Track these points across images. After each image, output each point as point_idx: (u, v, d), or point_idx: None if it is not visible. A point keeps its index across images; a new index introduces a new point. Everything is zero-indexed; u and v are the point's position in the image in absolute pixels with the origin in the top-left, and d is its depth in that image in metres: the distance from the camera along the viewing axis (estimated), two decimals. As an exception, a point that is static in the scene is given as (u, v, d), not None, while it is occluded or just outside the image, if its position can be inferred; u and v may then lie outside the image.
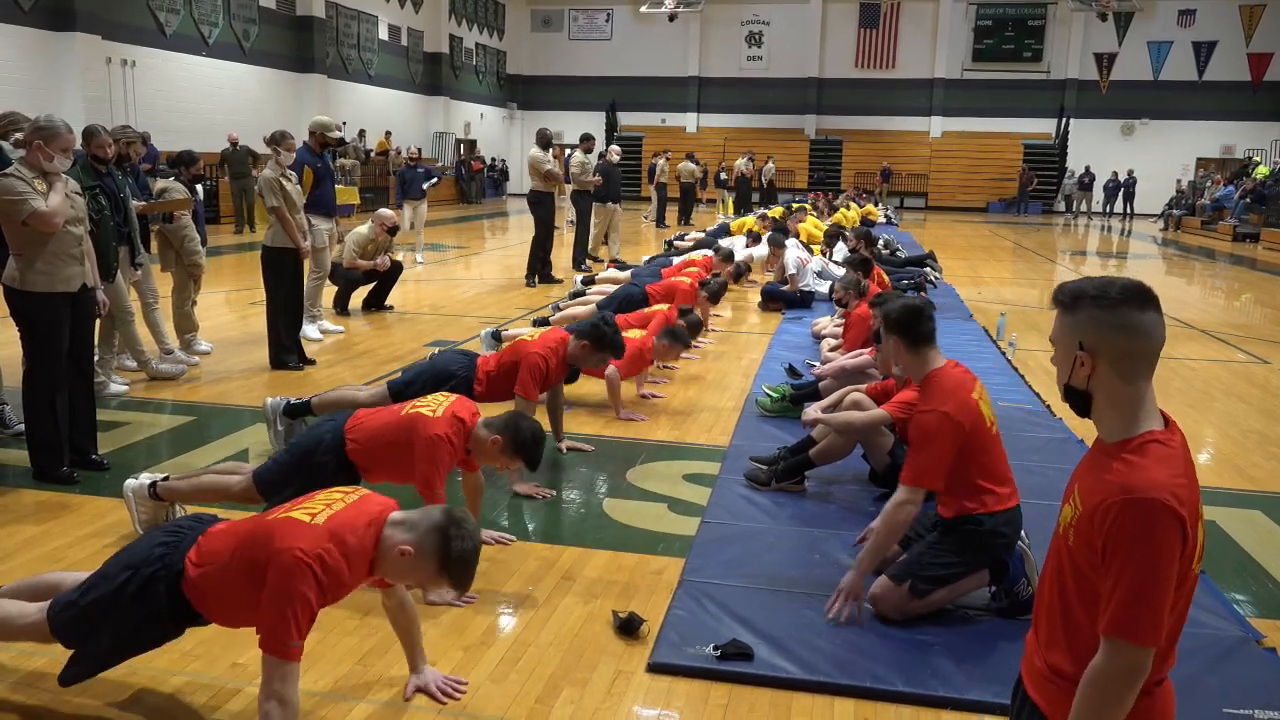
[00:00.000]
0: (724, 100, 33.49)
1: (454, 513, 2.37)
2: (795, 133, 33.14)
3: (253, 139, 17.87)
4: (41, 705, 2.65)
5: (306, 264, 7.10)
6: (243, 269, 12.17)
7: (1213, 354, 8.26)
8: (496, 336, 7.22)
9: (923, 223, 25.50)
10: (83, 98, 15.97)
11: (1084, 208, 31.23)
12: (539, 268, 11.39)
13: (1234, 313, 11.73)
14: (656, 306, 7.13)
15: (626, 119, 33.69)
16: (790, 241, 11.00)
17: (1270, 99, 30.05)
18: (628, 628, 3.11)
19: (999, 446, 3.36)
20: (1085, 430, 5.29)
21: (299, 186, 6.98)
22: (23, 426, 4.60)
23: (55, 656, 2.75)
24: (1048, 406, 6.03)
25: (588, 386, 6.39)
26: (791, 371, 6.81)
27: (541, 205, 11.42)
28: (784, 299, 9.93)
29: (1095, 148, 31.02)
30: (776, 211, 16.71)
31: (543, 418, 4.90)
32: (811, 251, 11.63)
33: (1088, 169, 30.76)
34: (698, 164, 24.02)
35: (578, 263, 12.73)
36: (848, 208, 19.20)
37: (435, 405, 3.49)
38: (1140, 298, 1.71)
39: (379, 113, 26.21)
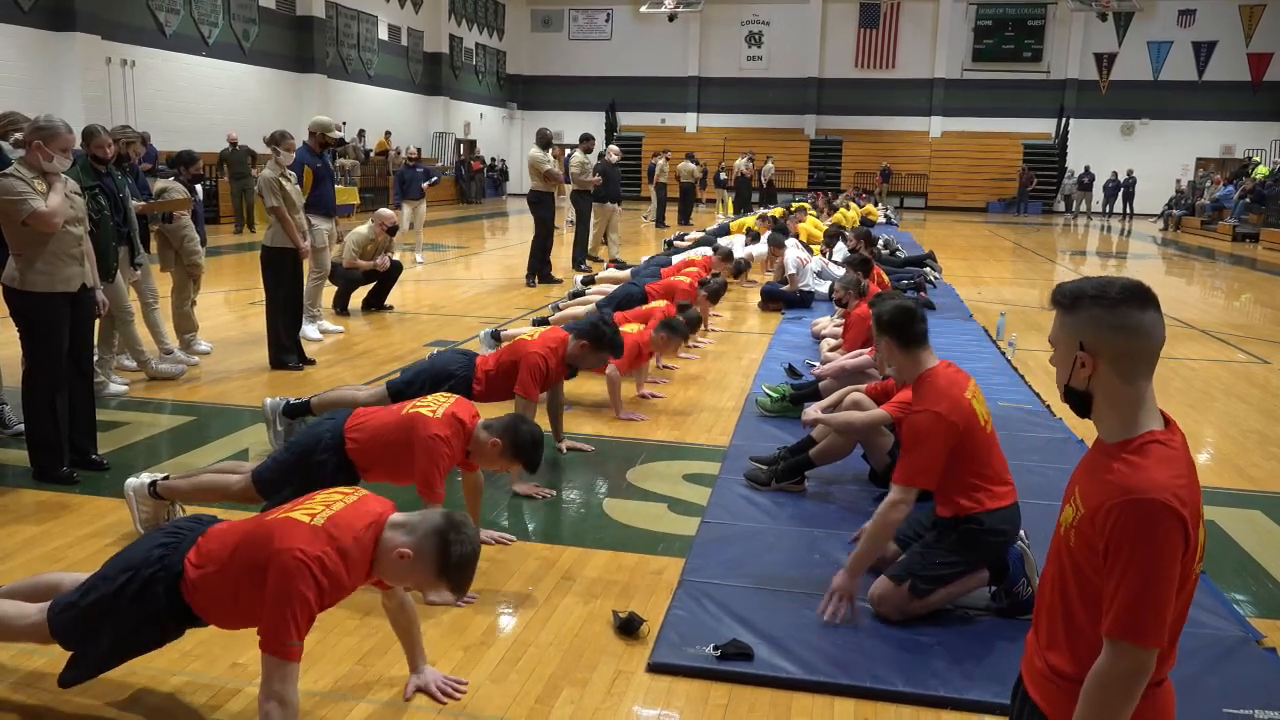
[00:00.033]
0: (724, 100, 33.50)
1: (454, 517, 2.38)
2: (795, 133, 33.14)
3: (252, 139, 17.87)
4: (41, 705, 2.65)
5: (306, 264, 7.10)
6: (242, 269, 12.17)
7: (1213, 354, 8.26)
8: (496, 336, 7.22)
9: (922, 223, 25.50)
10: (83, 98, 15.97)
11: (1084, 208, 31.24)
12: (539, 268, 11.39)
13: (1234, 313, 11.73)
14: (655, 303, 7.14)
15: (626, 119, 33.69)
16: (790, 241, 11.00)
17: (1270, 99, 30.05)
18: (628, 628, 3.11)
19: (994, 445, 3.37)
20: (1085, 430, 5.29)
21: (299, 186, 6.98)
22: (23, 426, 4.60)
23: (55, 656, 2.75)
24: (1048, 406, 6.03)
25: (587, 386, 6.39)
26: (791, 371, 6.81)
27: (542, 205, 11.42)
28: (784, 299, 9.93)
29: (1095, 148, 31.03)
30: (778, 211, 16.72)
31: (543, 418, 4.91)
32: (811, 251, 11.63)
33: (1087, 169, 30.77)
34: (697, 164, 24.02)
35: (577, 263, 12.74)
36: (847, 208, 19.21)
37: (435, 406, 3.49)
38: (1140, 297, 1.71)
39: (379, 113, 26.21)
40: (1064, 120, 31.17)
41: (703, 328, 8.41)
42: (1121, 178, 29.87)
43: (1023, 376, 6.91)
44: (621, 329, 5.88)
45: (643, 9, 30.48)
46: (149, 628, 2.44)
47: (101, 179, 5.38)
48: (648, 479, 4.68)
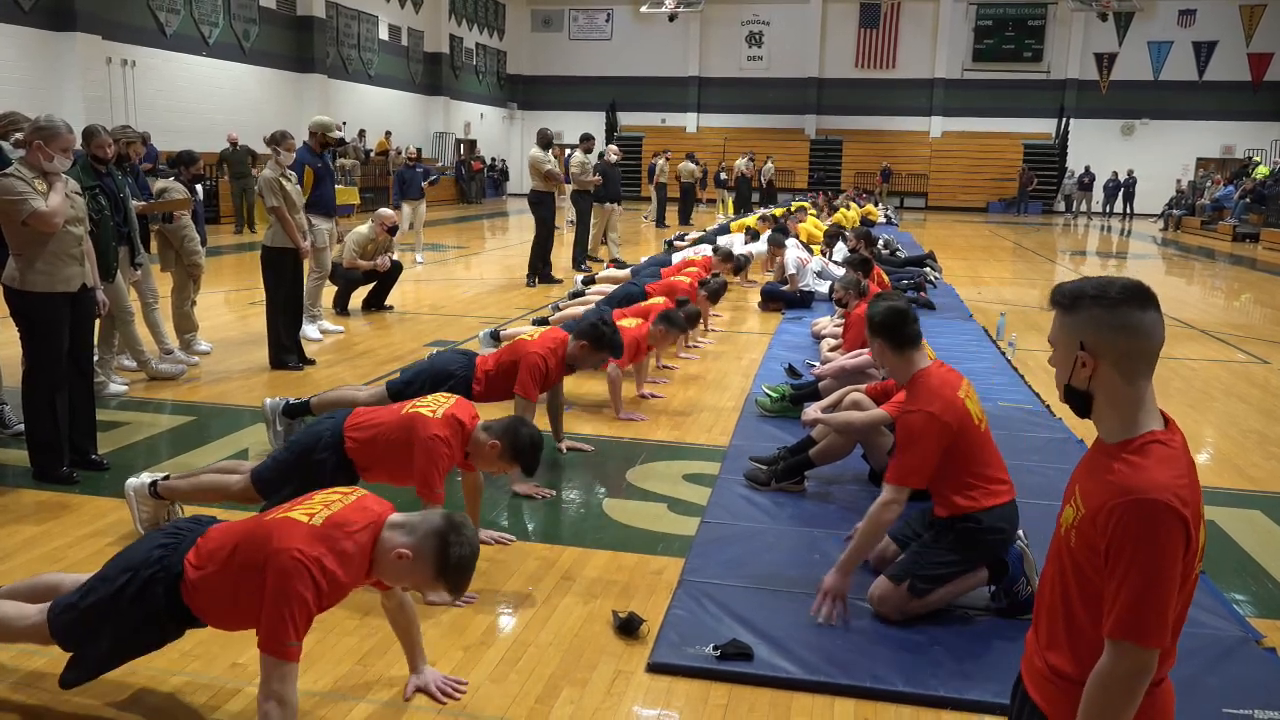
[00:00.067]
0: (724, 100, 33.50)
1: (453, 518, 2.38)
2: (795, 133, 33.15)
3: (253, 139, 17.88)
4: (41, 705, 2.65)
5: (306, 264, 7.10)
6: (242, 269, 12.17)
7: (1213, 354, 8.26)
8: (495, 336, 7.22)
9: (923, 223, 25.50)
10: (83, 98, 15.97)
11: (1084, 208, 31.23)
12: (539, 267, 11.39)
13: (1234, 313, 11.73)
14: (654, 299, 7.14)
15: (626, 119, 33.70)
16: (790, 241, 11.00)
17: (1270, 99, 30.05)
18: (628, 628, 3.11)
19: (989, 443, 3.38)
20: (1085, 430, 5.29)
21: (299, 186, 6.98)
22: (23, 426, 4.60)
23: (55, 657, 2.75)
24: (1048, 406, 6.03)
25: (587, 386, 6.40)
26: (791, 371, 6.81)
27: (542, 205, 11.42)
28: (784, 299, 9.93)
29: (1095, 148, 31.02)
30: (779, 211, 16.73)
31: (542, 418, 4.91)
32: (811, 251, 11.63)
33: (1088, 169, 30.76)
34: (697, 164, 24.03)
35: (578, 263, 12.74)
36: (848, 208, 19.21)
37: (435, 406, 3.49)
38: (1140, 297, 1.71)
39: (379, 113, 26.21)
40: (1064, 120, 31.17)
41: (703, 327, 8.42)
42: (1122, 178, 29.87)
43: (1023, 376, 6.91)
44: (620, 323, 5.89)
45: (643, 9, 30.48)
46: (148, 628, 2.44)
47: (102, 179, 5.38)
48: (648, 479, 4.68)
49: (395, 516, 2.45)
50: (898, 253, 13.45)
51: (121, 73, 17.35)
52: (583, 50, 34.49)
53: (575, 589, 3.46)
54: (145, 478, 3.77)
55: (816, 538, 3.92)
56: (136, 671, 2.73)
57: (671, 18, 29.99)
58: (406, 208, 13.38)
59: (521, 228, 19.51)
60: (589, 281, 10.31)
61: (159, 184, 7.12)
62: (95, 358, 5.25)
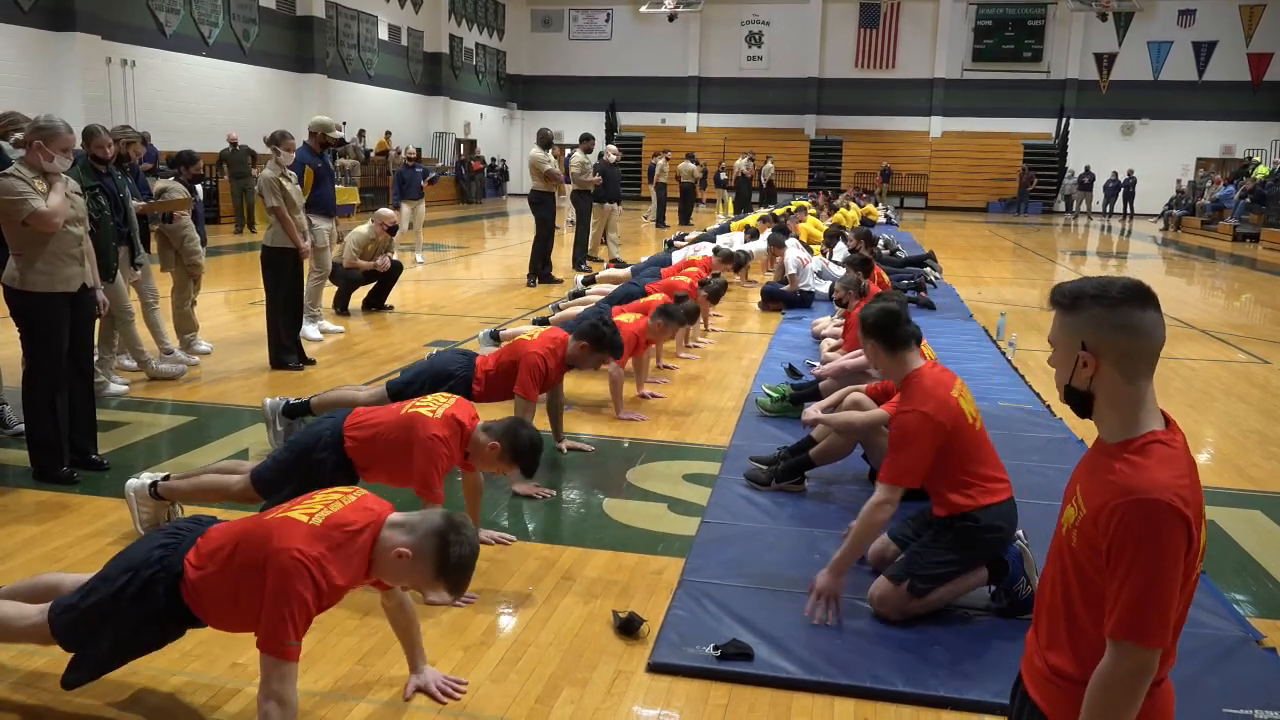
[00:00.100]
0: (724, 100, 33.50)
1: (453, 517, 2.38)
2: (795, 133, 33.14)
3: (253, 139, 17.87)
4: (41, 705, 2.65)
5: (306, 264, 7.10)
6: (242, 269, 12.17)
7: (1213, 354, 8.26)
8: (495, 336, 7.22)
9: (923, 223, 25.50)
10: (83, 98, 15.97)
11: (1084, 208, 31.23)
12: (539, 268, 11.39)
13: (1234, 313, 11.73)
14: (653, 296, 7.14)
15: (626, 119, 33.70)
16: (790, 241, 11.00)
17: (1270, 99, 30.05)
18: (628, 628, 3.11)
19: (985, 442, 3.38)
20: (1085, 430, 5.29)
21: (299, 186, 6.98)
22: (23, 426, 4.60)
23: (55, 657, 2.75)
24: (1048, 406, 6.03)
25: (587, 386, 6.40)
26: (791, 371, 6.81)
27: (543, 205, 11.43)
28: (784, 299, 9.93)
29: (1095, 148, 31.03)
30: (782, 211, 16.72)
31: (542, 418, 4.91)
32: (811, 251, 11.63)
33: (1088, 169, 30.77)
34: (697, 164, 24.03)
35: (578, 263, 12.74)
36: (848, 208, 19.20)
37: (435, 406, 3.49)
38: (1140, 297, 1.71)
39: (379, 113, 26.21)
40: (1064, 120, 31.17)
41: (703, 328, 8.42)
42: (1122, 178, 29.87)
43: (1023, 376, 6.91)
44: (618, 319, 5.89)
45: (643, 9, 30.48)
46: (149, 628, 2.44)
47: (102, 179, 5.38)
48: (648, 479, 4.68)
49: (395, 516, 2.45)
50: (898, 253, 13.45)
51: (121, 73, 17.35)
52: (582, 50, 34.49)
53: (575, 589, 3.46)
54: (145, 478, 3.77)
55: (816, 538, 3.92)
56: (137, 671, 2.73)
57: (671, 18, 29.99)
58: (406, 208, 13.38)
59: (521, 228, 19.51)
60: (589, 281, 10.31)
61: (159, 184, 7.12)
62: (95, 358, 5.25)
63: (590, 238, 13.23)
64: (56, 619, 2.46)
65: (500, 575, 3.53)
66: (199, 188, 9.00)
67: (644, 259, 11.23)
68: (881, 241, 13.21)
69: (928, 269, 12.08)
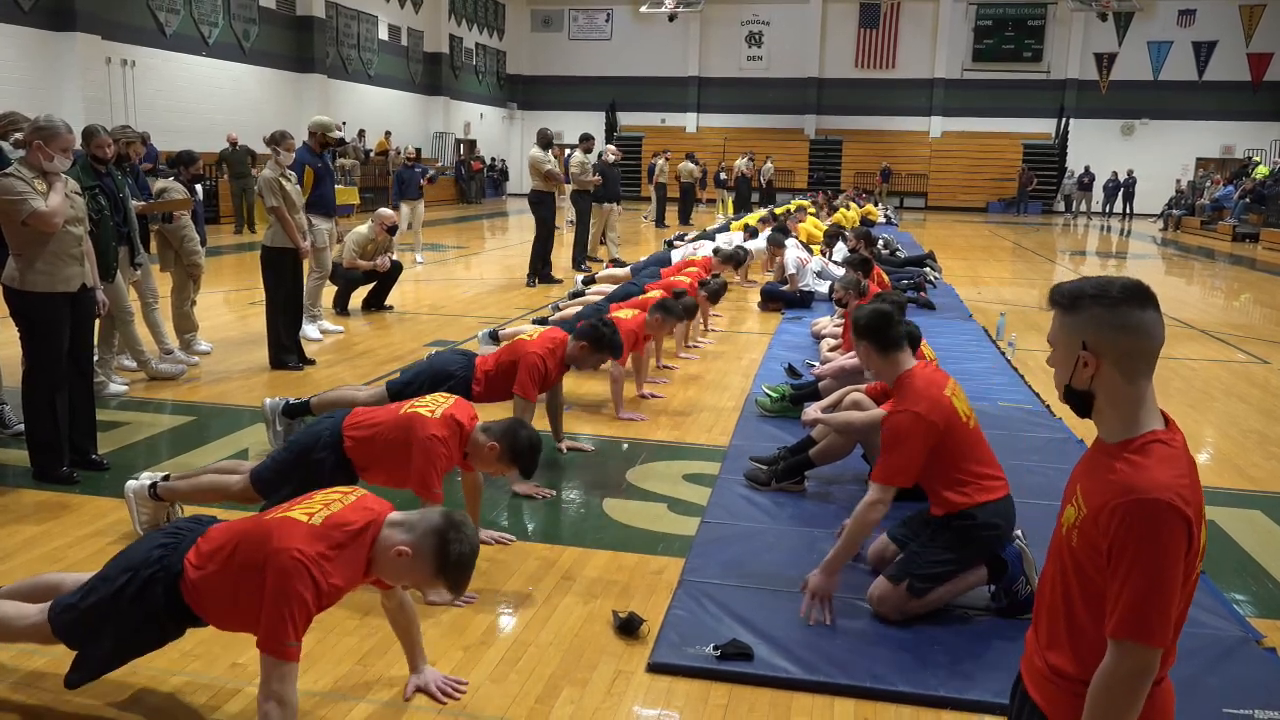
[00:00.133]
0: (724, 100, 33.49)
1: (453, 516, 2.38)
2: (795, 133, 33.14)
3: (253, 139, 17.87)
4: (41, 705, 2.65)
5: (306, 264, 7.10)
6: (242, 269, 12.17)
7: (1213, 354, 8.26)
8: (494, 337, 7.22)
9: (922, 223, 25.50)
10: (83, 98, 15.97)
11: (1084, 208, 31.24)
12: (539, 268, 11.39)
13: (1234, 313, 11.73)
14: (652, 292, 7.15)
15: (626, 119, 33.70)
16: (790, 241, 11.00)
17: (1270, 99, 30.05)
18: (628, 628, 3.11)
19: (980, 439, 3.40)
20: (1085, 430, 5.29)
21: (299, 186, 6.98)
22: (23, 426, 4.60)
23: (55, 657, 2.75)
24: (1048, 406, 6.03)
25: (587, 386, 6.40)
26: (791, 371, 6.81)
27: (543, 205, 11.43)
28: (784, 299, 9.93)
29: (1095, 148, 31.03)
30: (782, 210, 16.72)
31: (542, 418, 4.91)
32: (811, 251, 11.64)
33: (1087, 169, 30.77)
34: (697, 164, 24.02)
35: (577, 263, 12.74)
36: (847, 208, 19.20)
37: (434, 406, 3.49)
38: (1140, 296, 1.71)
39: (379, 113, 26.21)
40: (1064, 120, 31.17)
41: (703, 328, 8.42)
42: (1121, 178, 29.87)
43: (1023, 376, 6.91)
44: (616, 314, 5.89)
45: (643, 9, 30.48)
46: (148, 628, 2.44)
47: (101, 179, 5.38)
48: (648, 479, 4.68)
49: (395, 515, 2.45)
50: (898, 253, 13.45)
51: (121, 73, 17.35)
52: (582, 50, 34.49)
53: (575, 589, 3.46)
54: (144, 479, 3.77)
55: (816, 538, 3.92)
56: (137, 671, 2.74)
57: (671, 18, 30.00)
58: (405, 208, 13.37)
59: (521, 228, 19.51)
60: (589, 281, 10.31)
61: (159, 184, 7.12)
62: (95, 358, 5.25)
63: (589, 238, 13.23)
64: (56, 618, 2.46)
65: (500, 575, 3.53)
66: (199, 188, 9.00)
67: (644, 258, 11.24)
68: (881, 241, 13.21)
69: (927, 269, 12.08)
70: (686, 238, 14.07)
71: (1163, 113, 30.90)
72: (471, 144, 32.02)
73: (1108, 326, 1.71)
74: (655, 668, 2.92)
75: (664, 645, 3.02)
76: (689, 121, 34.00)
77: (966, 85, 31.96)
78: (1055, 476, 4.55)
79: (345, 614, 3.14)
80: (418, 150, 16.83)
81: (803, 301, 9.90)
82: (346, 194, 19.06)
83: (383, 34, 26.71)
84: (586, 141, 13.13)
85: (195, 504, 3.74)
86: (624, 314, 5.98)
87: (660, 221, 21.65)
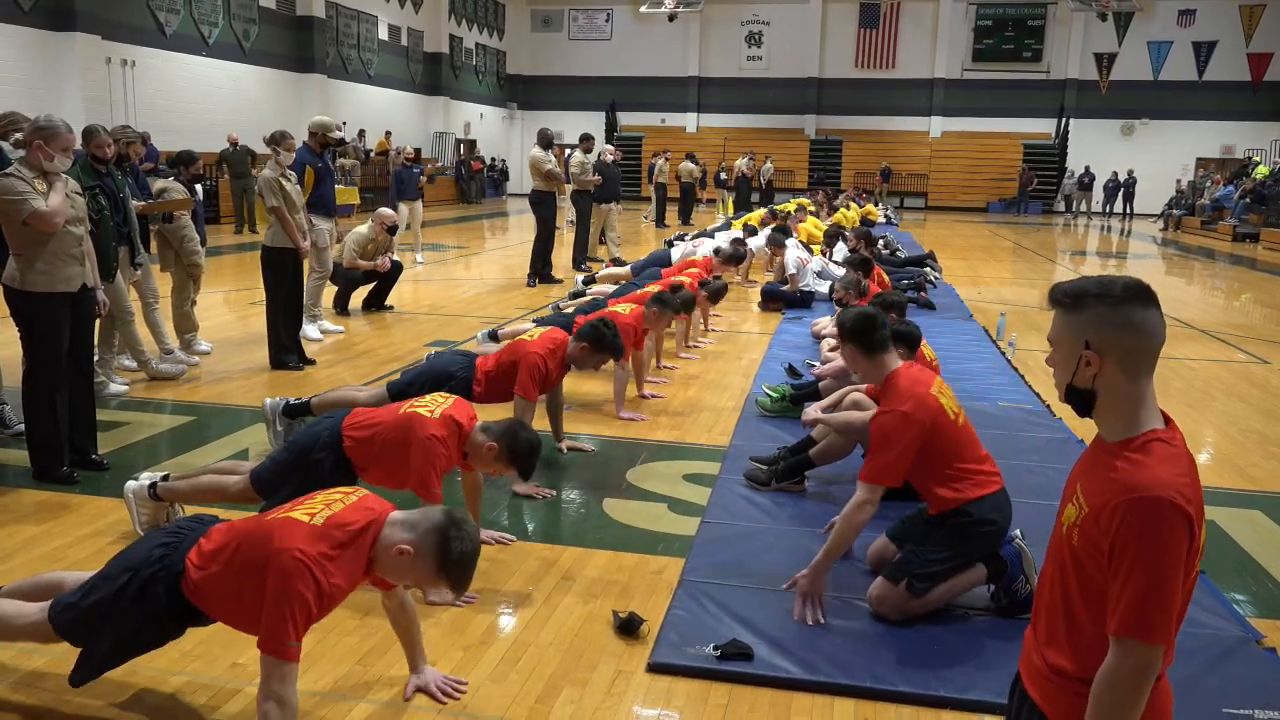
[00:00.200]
0: (724, 100, 33.49)
1: (454, 514, 2.37)
2: (795, 133, 33.14)
3: (253, 139, 17.87)
4: (42, 705, 2.65)
5: (307, 263, 7.10)
6: (242, 269, 12.17)
7: (1213, 354, 8.26)
8: (493, 336, 7.21)
9: (923, 223, 25.50)
10: (83, 98, 15.97)
11: (1084, 208, 31.23)
12: (540, 268, 11.40)
13: (1234, 313, 11.73)
14: (650, 287, 7.15)
15: (626, 119, 33.70)
16: (790, 241, 11.01)
17: (1270, 99, 30.05)
18: (628, 628, 3.11)
19: (970, 436, 3.41)
20: (1085, 430, 5.29)
21: (299, 186, 6.98)
22: (23, 426, 4.60)
23: (55, 656, 2.75)
24: (1047, 406, 6.03)
25: (587, 386, 6.40)
26: (791, 371, 6.81)
27: (543, 205, 11.43)
28: (784, 299, 9.93)
29: (1095, 148, 31.02)
30: (791, 205, 16.72)
31: (542, 418, 4.91)
32: (811, 251, 11.64)
33: (1088, 169, 30.76)
34: (697, 164, 24.03)
35: (578, 263, 12.74)
36: (848, 208, 19.20)
37: (433, 406, 3.49)
38: (1143, 295, 1.71)
39: (379, 113, 26.21)
40: (1064, 120, 31.17)
41: (703, 328, 8.43)
42: (1121, 178, 29.87)
43: (1023, 376, 6.91)
44: (614, 309, 5.89)
45: (643, 9, 30.48)
46: (149, 627, 2.44)
47: (101, 179, 5.38)
48: (648, 479, 4.68)
49: (396, 514, 2.45)
50: (898, 253, 13.45)
51: (121, 73, 17.35)
52: (582, 50, 34.48)
53: (575, 589, 3.46)
54: (144, 479, 3.77)
55: (817, 538, 3.91)
56: (137, 671, 2.74)
57: (671, 18, 30.00)
58: (404, 208, 13.36)
59: (521, 228, 19.51)
60: (589, 281, 10.31)
61: (159, 184, 7.12)
62: (95, 358, 5.25)
63: (589, 238, 13.23)
64: (57, 617, 2.46)
65: (500, 575, 3.53)
66: (199, 188, 9.01)
67: (644, 258, 11.24)
68: (881, 241, 13.21)
69: (927, 269, 12.08)
70: (687, 237, 14.08)
71: (1163, 113, 30.90)
72: (471, 144, 32.02)
73: (1111, 325, 1.71)
74: (655, 668, 2.92)
75: (664, 645, 3.02)
76: (689, 121, 34.00)
77: (966, 85, 31.95)
78: (1055, 476, 4.55)
79: (345, 614, 3.14)
80: (417, 150, 16.82)
81: (803, 301, 9.90)
82: (346, 194, 19.06)
83: (383, 34, 26.71)
84: (586, 141, 13.13)
85: (195, 504, 3.74)
86: (622, 309, 5.97)
87: (660, 221, 21.66)
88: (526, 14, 35.03)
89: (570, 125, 27.11)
